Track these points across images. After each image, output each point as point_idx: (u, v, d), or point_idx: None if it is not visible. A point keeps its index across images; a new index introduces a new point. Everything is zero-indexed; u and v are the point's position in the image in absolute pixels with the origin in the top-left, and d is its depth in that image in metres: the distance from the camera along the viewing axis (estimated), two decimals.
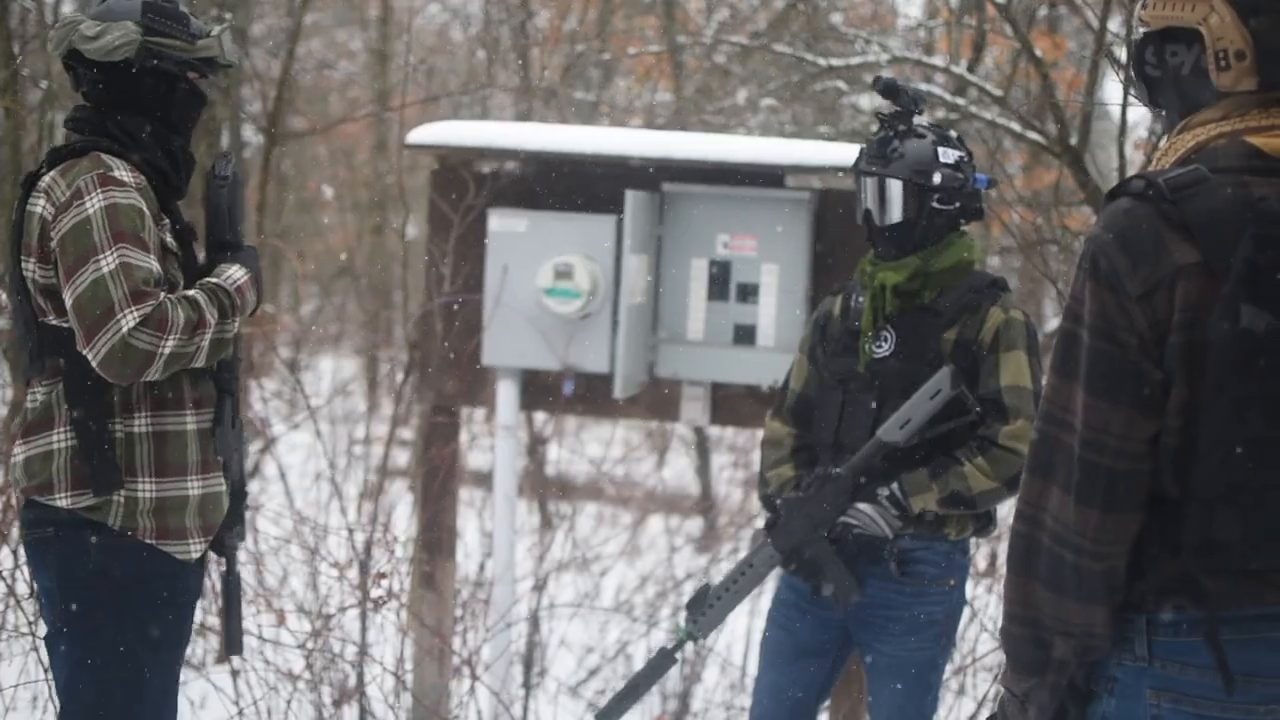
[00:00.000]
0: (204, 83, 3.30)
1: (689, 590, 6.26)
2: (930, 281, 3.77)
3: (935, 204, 3.75)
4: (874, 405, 3.76)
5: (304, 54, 10.88)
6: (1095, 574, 2.21)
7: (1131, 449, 2.19)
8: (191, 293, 3.12)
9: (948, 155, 3.77)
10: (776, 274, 4.82)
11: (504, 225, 4.89)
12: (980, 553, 6.47)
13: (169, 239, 3.16)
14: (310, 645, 4.65)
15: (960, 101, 6.80)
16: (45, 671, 3.58)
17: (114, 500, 3.09)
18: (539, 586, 5.64)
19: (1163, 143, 2.36)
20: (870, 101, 8.72)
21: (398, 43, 11.14)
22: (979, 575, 6.16)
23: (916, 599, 3.76)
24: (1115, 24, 5.65)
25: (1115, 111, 5.48)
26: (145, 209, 3.08)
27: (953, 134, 3.86)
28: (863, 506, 3.71)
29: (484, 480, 7.35)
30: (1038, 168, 8.67)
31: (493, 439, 5.53)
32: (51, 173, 3.11)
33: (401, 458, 8.96)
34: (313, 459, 6.68)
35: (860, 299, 3.84)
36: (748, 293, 4.85)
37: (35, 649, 4.12)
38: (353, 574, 4.90)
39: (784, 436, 3.94)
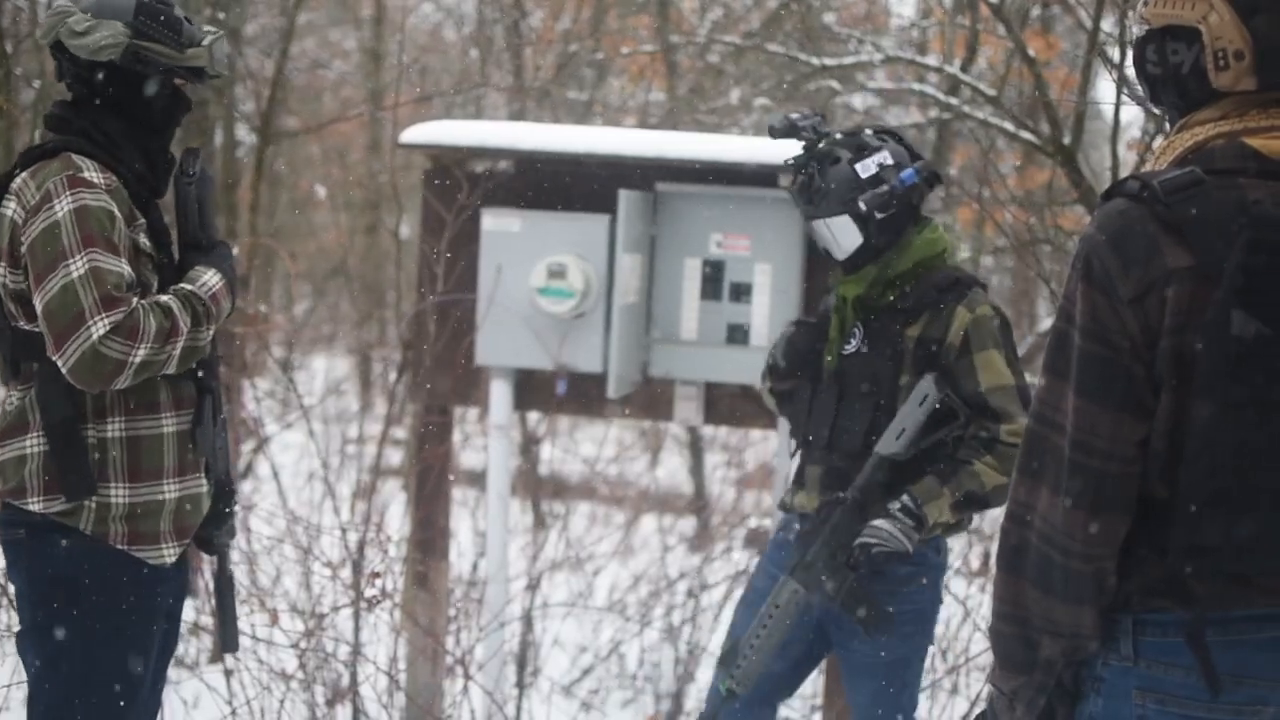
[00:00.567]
0: (190, 88, 3.25)
1: (681, 590, 6.26)
2: (892, 285, 3.80)
3: (877, 216, 3.77)
4: (837, 398, 3.79)
5: (297, 53, 10.87)
6: (1083, 575, 2.21)
7: (1121, 451, 2.19)
8: (165, 299, 3.06)
9: (867, 169, 3.78)
10: (770, 274, 4.83)
11: (497, 225, 4.89)
12: (973, 552, 6.48)
13: (143, 240, 3.11)
14: (303, 645, 4.65)
15: (954, 101, 6.82)
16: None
17: (86, 506, 3.06)
18: (532, 586, 5.63)
19: (1160, 141, 2.35)
20: (863, 101, 8.75)
21: (391, 42, 11.13)
22: (971, 574, 6.17)
23: (889, 597, 3.75)
24: (1108, 24, 5.66)
25: (1108, 111, 5.50)
26: (116, 210, 3.03)
27: (867, 133, 3.85)
28: (878, 523, 3.68)
29: (477, 480, 7.35)
30: (1031, 167, 8.68)
31: (486, 438, 5.53)
32: (23, 174, 3.06)
33: (395, 457, 8.96)
34: (306, 459, 6.68)
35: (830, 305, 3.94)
36: (741, 292, 4.86)
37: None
38: (346, 573, 4.90)
39: None
